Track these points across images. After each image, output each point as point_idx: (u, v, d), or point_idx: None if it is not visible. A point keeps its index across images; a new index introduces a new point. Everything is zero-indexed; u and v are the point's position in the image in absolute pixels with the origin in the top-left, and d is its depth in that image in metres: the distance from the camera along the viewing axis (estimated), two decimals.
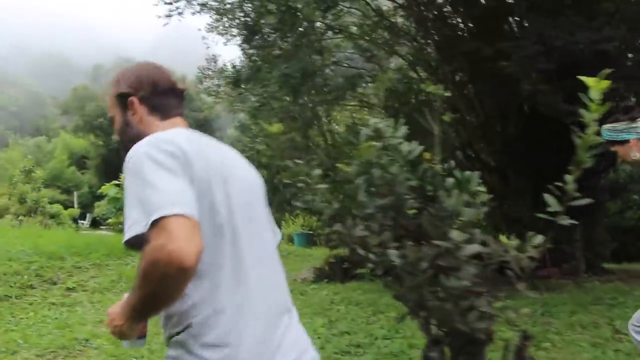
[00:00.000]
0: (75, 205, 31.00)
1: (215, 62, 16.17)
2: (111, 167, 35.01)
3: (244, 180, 1.49)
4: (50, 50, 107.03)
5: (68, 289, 6.60)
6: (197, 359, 1.28)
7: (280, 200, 25.93)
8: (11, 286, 6.43)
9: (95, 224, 29.10)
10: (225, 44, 13.53)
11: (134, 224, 1.20)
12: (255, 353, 1.32)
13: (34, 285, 6.64)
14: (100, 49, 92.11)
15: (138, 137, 1.42)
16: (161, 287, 1.17)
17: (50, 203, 25.28)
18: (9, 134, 61.43)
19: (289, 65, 9.94)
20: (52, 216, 24.59)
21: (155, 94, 1.56)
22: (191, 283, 1.21)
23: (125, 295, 1.34)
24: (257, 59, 12.02)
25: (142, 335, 1.49)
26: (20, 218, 21.70)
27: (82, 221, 29.43)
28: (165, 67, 1.65)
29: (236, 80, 12.61)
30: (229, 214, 1.35)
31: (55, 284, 6.79)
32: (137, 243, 1.20)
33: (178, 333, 1.32)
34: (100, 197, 34.86)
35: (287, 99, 11.48)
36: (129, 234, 1.21)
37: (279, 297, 1.49)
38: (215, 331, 1.30)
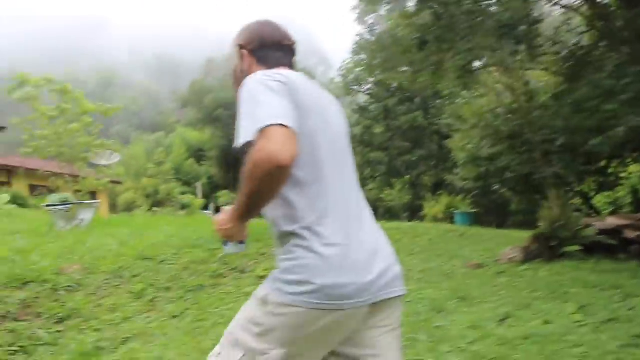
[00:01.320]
0: (200, 196, 31.52)
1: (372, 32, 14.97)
2: (231, 156, 35.59)
3: (336, 120, 1.74)
4: (162, 51, 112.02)
5: (259, 277, 5.92)
6: (313, 253, 1.50)
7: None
8: (203, 276, 5.86)
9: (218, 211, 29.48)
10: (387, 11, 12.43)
11: (244, 133, 1.45)
12: (361, 252, 1.56)
13: (224, 274, 6.04)
14: (208, 45, 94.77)
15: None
16: (263, 184, 1.40)
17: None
18: (131, 131, 64.69)
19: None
20: (182, 207, 25.07)
21: (262, 47, 1.84)
22: (296, 190, 1.54)
23: (225, 208, 1.67)
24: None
25: (243, 241, 1.72)
26: (154, 209, 22.25)
27: (205, 211, 29.92)
28: (278, 24, 1.90)
29: (422, 42, 11.25)
30: (324, 139, 1.61)
31: (243, 272, 6.16)
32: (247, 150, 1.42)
33: (292, 232, 1.54)
34: (224, 186, 35.70)
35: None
36: (240, 140, 1.46)
37: (369, 214, 1.72)
38: (325, 232, 1.53)
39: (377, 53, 13.52)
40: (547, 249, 7.44)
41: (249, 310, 1.67)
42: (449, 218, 16.85)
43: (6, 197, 13.56)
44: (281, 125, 1.40)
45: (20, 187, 23.22)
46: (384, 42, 13.14)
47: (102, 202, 19.65)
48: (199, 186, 32.21)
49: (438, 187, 27.26)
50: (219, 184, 37.77)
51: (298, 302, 1.50)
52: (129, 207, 28.24)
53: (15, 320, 4.38)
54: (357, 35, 38.45)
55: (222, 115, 35.59)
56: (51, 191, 22.76)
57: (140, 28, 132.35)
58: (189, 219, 12.04)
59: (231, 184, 35.01)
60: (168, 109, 72.37)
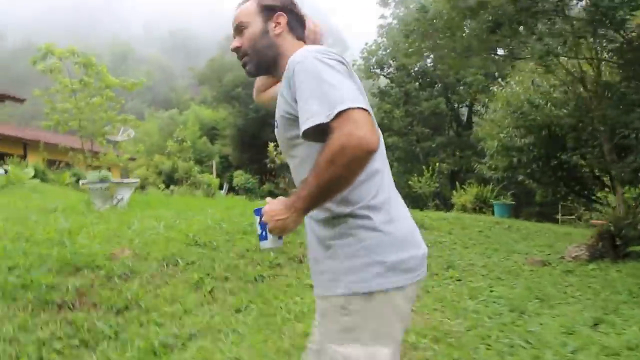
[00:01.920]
0: (214, 175, 31.20)
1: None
2: (247, 136, 35.15)
3: None
4: (176, 27, 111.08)
5: None
6: (376, 232, 1.50)
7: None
8: (261, 265, 5.48)
9: (231, 191, 29.24)
10: None
11: (314, 115, 1.38)
12: (413, 227, 1.65)
13: (281, 264, 5.66)
14: (222, 23, 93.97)
15: (270, 47, 1.73)
16: (347, 169, 1.34)
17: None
18: (144, 107, 64.23)
19: None
20: (196, 186, 24.69)
21: (295, 15, 1.78)
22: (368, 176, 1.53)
23: (269, 199, 1.56)
24: None
25: (281, 236, 1.57)
26: (171, 188, 21.93)
27: (220, 191, 29.61)
28: None
29: (496, 25, 10.52)
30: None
31: (301, 262, 5.78)
32: (312, 133, 1.41)
33: (349, 214, 1.51)
34: (237, 167, 35.30)
35: None
36: (308, 123, 1.39)
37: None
38: (382, 209, 1.54)
39: (418, 35, 12.90)
40: (612, 247, 7.03)
41: (331, 326, 1.54)
42: (478, 208, 16.40)
43: (31, 171, 13.19)
44: (363, 109, 1.38)
45: (35, 161, 22.90)
46: (423, 24, 12.52)
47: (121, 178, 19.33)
48: (214, 165, 31.87)
49: (455, 175, 26.86)
50: (232, 163, 37.39)
51: (376, 286, 1.48)
52: (142, 184, 27.93)
53: (72, 309, 4.03)
54: (381, 17, 37.94)
55: (241, 94, 35.06)
56: (68, 165, 22.52)
57: (155, 3, 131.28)
58: (230, 200, 11.54)
59: (246, 163, 34.61)
60: (182, 86, 71.87)
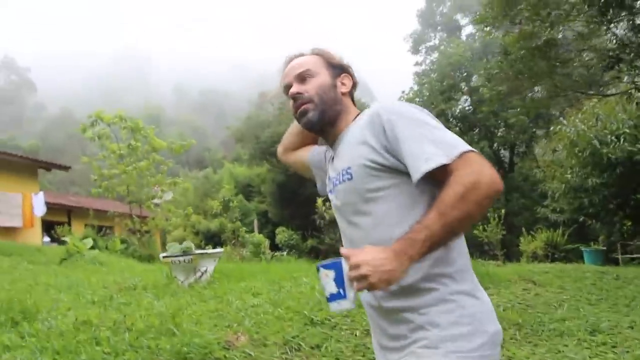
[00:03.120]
0: (256, 232, 30.69)
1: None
2: (287, 192, 34.80)
3: None
4: (205, 87, 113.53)
5: None
6: (474, 299, 1.44)
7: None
8: None
9: (275, 249, 28.61)
10: None
11: (433, 157, 1.37)
12: (491, 310, 1.48)
13: None
14: (251, 81, 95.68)
15: (336, 102, 1.68)
16: (479, 206, 1.31)
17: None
18: (179, 168, 64.87)
19: None
20: (243, 245, 24.15)
21: (353, 81, 1.77)
22: None
23: (369, 247, 1.36)
24: None
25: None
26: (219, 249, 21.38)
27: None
28: None
29: None
30: None
31: None
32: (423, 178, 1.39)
33: (449, 275, 1.42)
34: (276, 223, 34.84)
35: None
36: (429, 164, 1.37)
37: None
38: (470, 282, 1.47)
39: (497, 80, 12.34)
40: None
41: None
42: (551, 255, 15.45)
43: (89, 241, 12.77)
44: (477, 152, 1.39)
45: (78, 228, 22.73)
46: (504, 66, 11.93)
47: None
48: (255, 223, 31.41)
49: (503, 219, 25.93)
50: (271, 220, 36.98)
51: (479, 357, 1.37)
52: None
53: None
54: (416, 64, 37.85)
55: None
56: (106, 230, 22.27)
57: (184, 66, 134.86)
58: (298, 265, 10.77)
59: (286, 220, 34.16)
60: (214, 144, 72.60)
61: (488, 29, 11.84)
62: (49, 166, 22.18)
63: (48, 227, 21.20)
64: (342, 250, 1.40)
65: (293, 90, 1.68)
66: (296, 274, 7.32)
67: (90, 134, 17.63)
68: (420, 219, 1.35)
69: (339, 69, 1.72)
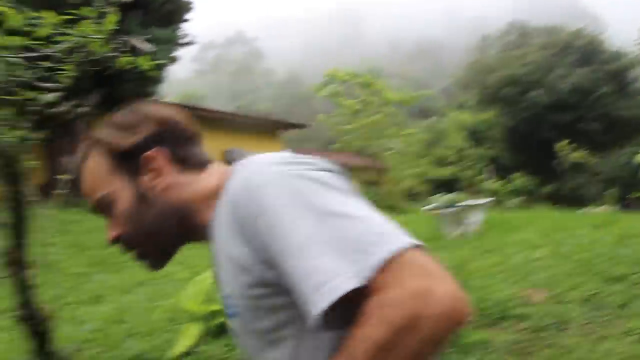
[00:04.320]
0: (492, 180, 29.74)
1: None
2: (518, 136, 33.23)
3: None
4: (419, 37, 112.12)
5: None
6: None
7: None
8: None
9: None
10: None
11: (334, 278, 0.71)
12: None
13: None
14: (464, 29, 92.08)
15: (162, 214, 0.97)
16: (417, 358, 0.70)
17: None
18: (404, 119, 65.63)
19: None
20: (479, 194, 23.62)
21: (173, 130, 1.01)
22: None
23: None
24: None
25: None
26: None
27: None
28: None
29: None
30: None
31: None
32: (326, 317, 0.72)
33: None
34: (509, 169, 33.44)
35: None
36: (330, 296, 0.70)
37: None
38: None
39: None
40: None
41: None
42: None
43: None
44: (419, 246, 0.74)
45: None
46: None
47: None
48: (490, 170, 30.39)
49: None
50: (505, 166, 35.59)
51: None
52: (411, 195, 27.81)
53: None
54: None
55: (508, 94, 33.32)
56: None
57: (397, 17, 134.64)
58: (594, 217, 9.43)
59: (520, 165, 32.54)
60: (434, 94, 71.79)
61: None
62: (287, 126, 23.91)
63: None
64: None
65: (108, 237, 1.02)
66: (569, 224, 6.82)
67: (325, 92, 18.48)
68: None
69: (131, 157, 0.98)
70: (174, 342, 3.54)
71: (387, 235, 0.74)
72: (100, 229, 1.14)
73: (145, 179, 0.98)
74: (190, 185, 0.99)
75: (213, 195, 0.94)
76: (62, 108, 2.71)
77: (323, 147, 33.46)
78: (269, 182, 0.81)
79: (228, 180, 0.89)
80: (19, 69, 2.19)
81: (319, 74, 22.17)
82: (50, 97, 2.43)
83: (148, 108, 1.03)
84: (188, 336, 3.50)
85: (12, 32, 2.05)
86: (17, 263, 3.14)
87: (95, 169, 1.00)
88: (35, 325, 3.32)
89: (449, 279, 0.73)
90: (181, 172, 0.99)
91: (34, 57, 2.11)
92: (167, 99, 15.47)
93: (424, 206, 8.15)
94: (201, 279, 3.83)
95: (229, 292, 0.93)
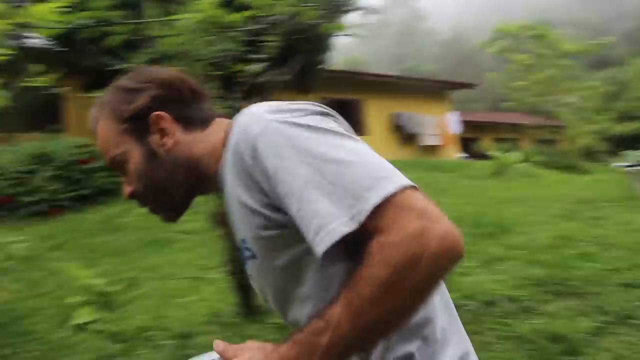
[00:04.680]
0: None
1: None
2: None
3: None
4: None
5: None
6: None
7: None
8: None
9: None
10: None
11: (331, 222, 0.77)
12: None
13: None
14: None
15: (172, 171, 1.05)
16: (418, 295, 0.77)
17: None
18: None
19: None
20: None
21: (178, 93, 1.08)
22: None
23: (251, 345, 0.90)
24: None
25: None
26: None
27: None
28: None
29: None
30: None
31: None
32: (332, 252, 0.78)
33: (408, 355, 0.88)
34: None
35: None
36: (329, 239, 0.77)
37: None
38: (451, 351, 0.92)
39: None
40: None
41: None
42: None
43: (519, 154, 12.95)
44: (414, 187, 0.79)
45: (486, 142, 23.32)
46: None
47: None
48: None
49: None
50: None
51: None
52: (589, 154, 25.82)
53: None
54: None
55: None
56: (512, 142, 22.28)
57: None
58: None
59: None
60: (612, 42, 65.26)
61: None
62: (454, 86, 23.23)
63: (461, 143, 22.44)
64: (217, 345, 0.94)
65: (125, 192, 1.11)
66: None
67: (495, 48, 17.65)
68: (324, 310, 0.81)
69: (140, 119, 1.05)
70: None
71: (382, 178, 0.78)
72: None
73: (154, 138, 1.05)
74: (196, 141, 1.06)
75: (219, 147, 1.01)
76: (266, 78, 2.88)
77: (493, 106, 32.14)
78: (265, 131, 0.87)
79: (230, 131, 0.95)
80: (233, 43, 2.35)
81: (483, 30, 21.18)
82: (256, 67, 2.59)
83: (151, 71, 1.11)
84: None
85: (238, 9, 2.20)
86: (226, 222, 3.46)
87: (106, 132, 1.08)
88: (241, 279, 3.64)
89: (443, 218, 0.76)
90: (187, 129, 1.06)
91: (245, 30, 2.25)
92: (332, 66, 15.77)
93: (613, 163, 7.51)
94: None
95: (244, 236, 0.99)
